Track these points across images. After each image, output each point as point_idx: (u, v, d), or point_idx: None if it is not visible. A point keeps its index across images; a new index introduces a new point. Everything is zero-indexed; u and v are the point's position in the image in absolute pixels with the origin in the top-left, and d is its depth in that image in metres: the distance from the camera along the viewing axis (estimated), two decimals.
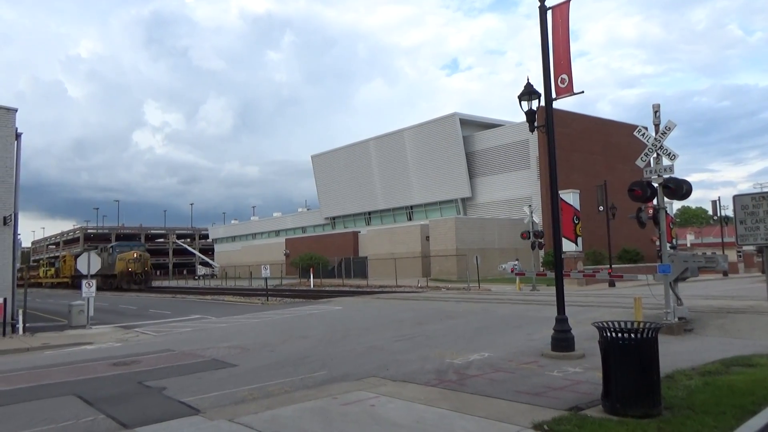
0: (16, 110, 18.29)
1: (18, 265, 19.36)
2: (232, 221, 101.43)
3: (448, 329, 14.22)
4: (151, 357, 12.01)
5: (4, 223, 17.35)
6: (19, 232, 18.60)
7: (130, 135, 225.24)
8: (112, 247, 56.79)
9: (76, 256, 63.43)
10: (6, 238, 17.47)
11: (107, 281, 52.65)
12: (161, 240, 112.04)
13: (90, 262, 19.18)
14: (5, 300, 16.55)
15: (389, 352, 11.19)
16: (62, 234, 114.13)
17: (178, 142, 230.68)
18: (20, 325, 17.29)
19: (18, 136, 18.17)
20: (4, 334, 16.37)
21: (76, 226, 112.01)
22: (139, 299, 36.11)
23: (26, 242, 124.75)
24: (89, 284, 18.47)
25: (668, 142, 12.45)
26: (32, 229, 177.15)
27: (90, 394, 8.49)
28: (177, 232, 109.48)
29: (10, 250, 17.54)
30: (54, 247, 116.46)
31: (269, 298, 28.88)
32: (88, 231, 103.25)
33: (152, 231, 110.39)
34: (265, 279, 28.78)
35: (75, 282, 57.86)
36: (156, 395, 8.32)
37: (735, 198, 14.02)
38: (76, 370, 10.93)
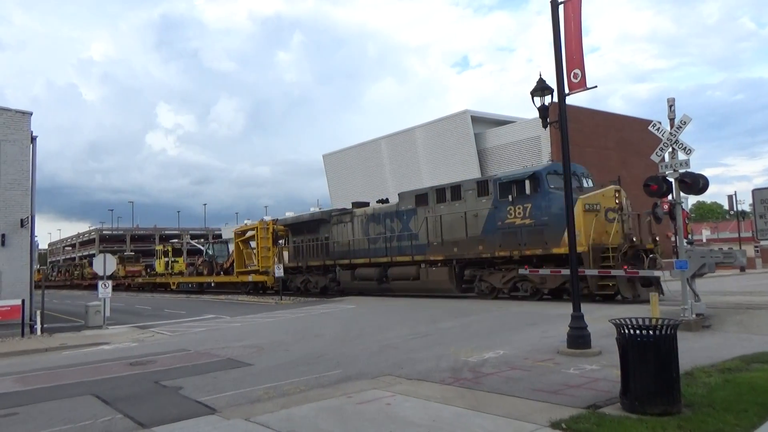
0: (31, 114, 18.52)
1: (36, 266, 19.59)
2: (245, 221, 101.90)
3: (463, 327, 14.16)
4: (167, 357, 12.09)
5: (22, 226, 17.58)
6: (36, 234, 18.86)
7: (143, 137, 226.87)
8: None
9: (240, 231, 37.09)
10: (23, 240, 17.71)
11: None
12: (175, 240, 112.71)
13: (106, 264, 19.37)
14: (23, 301, 16.76)
15: (404, 350, 11.16)
16: (78, 235, 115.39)
17: (190, 143, 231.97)
18: (38, 326, 17.53)
19: (33, 139, 18.42)
20: (23, 334, 16.59)
21: (91, 228, 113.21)
22: (153, 299, 36.39)
23: (43, 244, 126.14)
24: (105, 285, 18.66)
25: (682, 137, 12.28)
26: (48, 231, 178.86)
27: (107, 393, 8.57)
28: (191, 232, 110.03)
29: (27, 252, 17.78)
30: (70, 248, 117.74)
31: (283, 297, 28.96)
32: (104, 232, 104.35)
33: (166, 231, 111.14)
34: (279, 278, 28.84)
35: (251, 287, 34.25)
36: (172, 395, 8.37)
37: (754, 192, 13.78)
38: (93, 370, 11.04)
